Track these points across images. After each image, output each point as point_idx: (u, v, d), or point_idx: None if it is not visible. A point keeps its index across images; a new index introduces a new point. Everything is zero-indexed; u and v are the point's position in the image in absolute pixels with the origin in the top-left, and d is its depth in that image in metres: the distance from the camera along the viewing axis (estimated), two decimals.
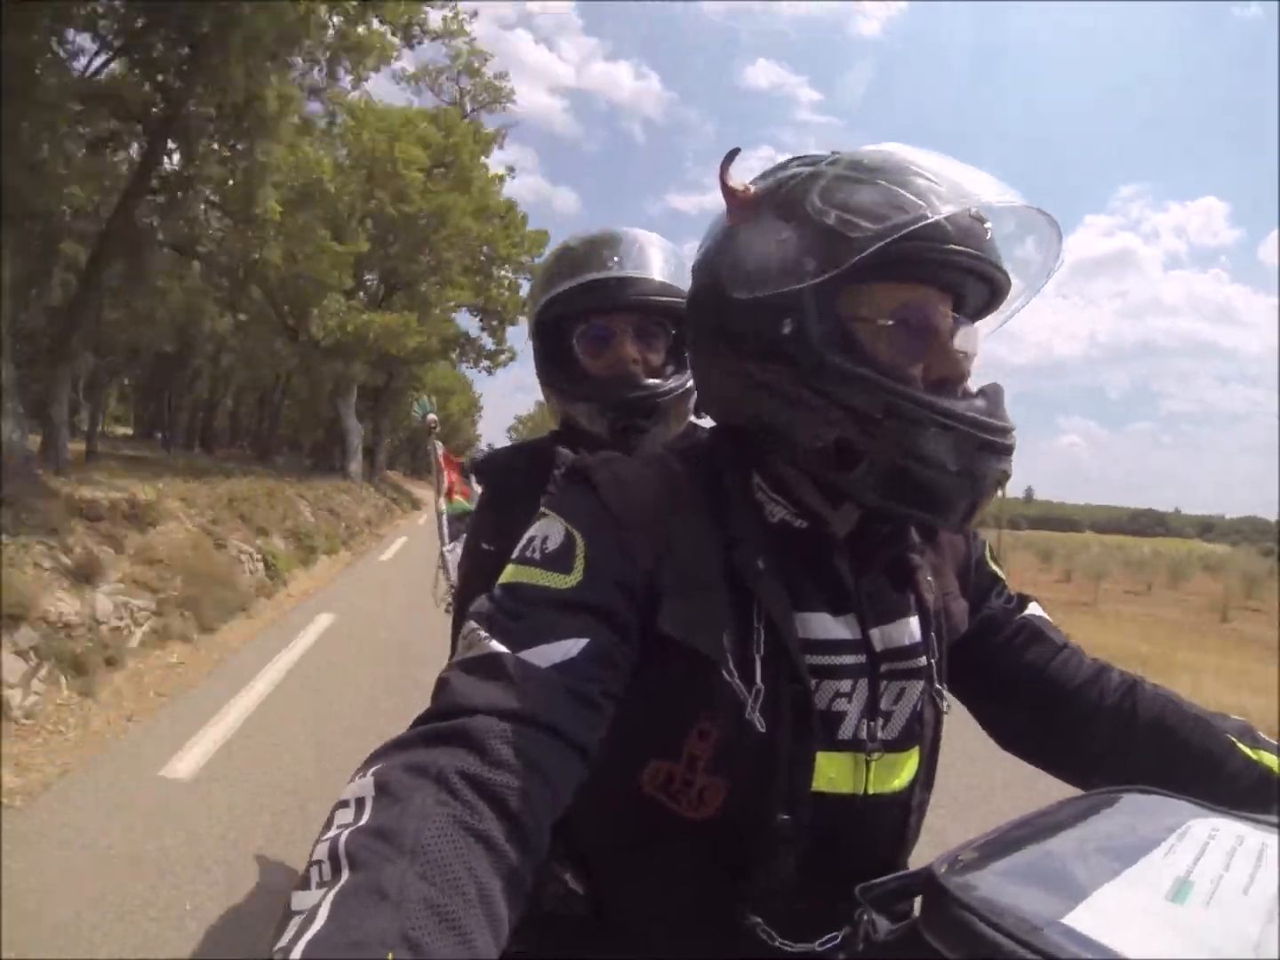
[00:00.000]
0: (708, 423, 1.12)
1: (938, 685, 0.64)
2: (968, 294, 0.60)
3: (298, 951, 0.32)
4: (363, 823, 0.39)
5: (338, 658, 4.66)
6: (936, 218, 0.53)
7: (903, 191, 0.54)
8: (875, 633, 0.61)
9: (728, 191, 0.60)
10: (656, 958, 0.61)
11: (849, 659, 0.59)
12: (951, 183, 0.55)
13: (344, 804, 0.41)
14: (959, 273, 0.57)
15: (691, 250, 0.69)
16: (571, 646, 0.51)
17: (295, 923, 0.34)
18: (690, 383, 1.02)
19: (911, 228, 0.52)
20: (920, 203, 0.53)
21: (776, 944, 0.58)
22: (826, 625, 0.59)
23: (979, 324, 0.63)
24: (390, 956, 0.32)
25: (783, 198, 0.58)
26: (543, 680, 0.49)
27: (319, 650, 4.78)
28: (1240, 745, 0.62)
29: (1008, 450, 0.56)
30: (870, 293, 0.56)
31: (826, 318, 0.55)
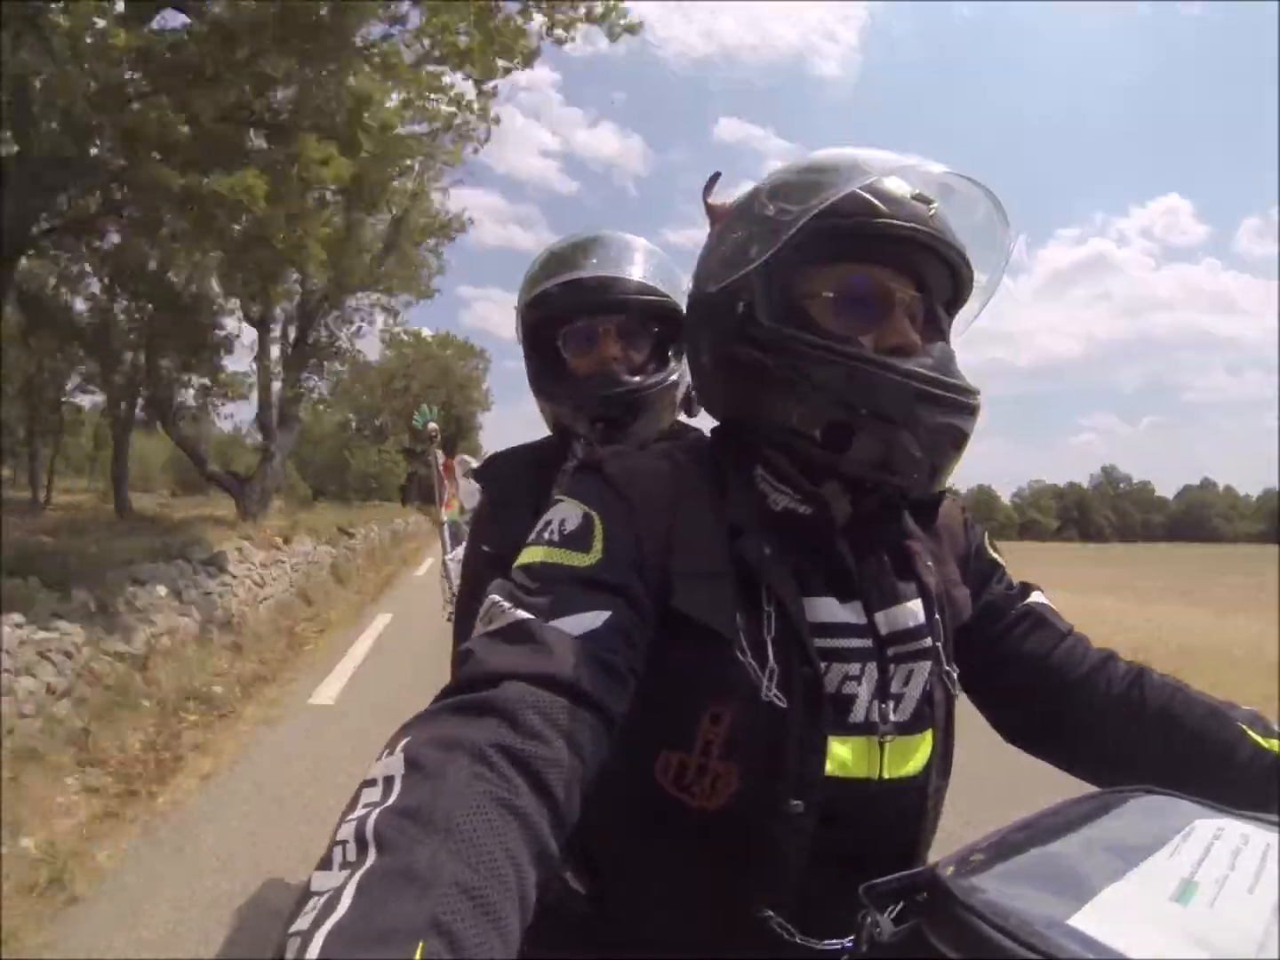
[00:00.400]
0: (695, 422, 1.15)
1: (946, 667, 0.64)
2: (928, 275, 0.61)
3: (317, 941, 0.30)
4: (391, 801, 0.37)
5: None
6: (851, 187, 0.56)
7: (830, 178, 0.58)
8: (880, 616, 0.61)
9: (709, 209, 0.67)
10: (667, 953, 0.60)
11: (856, 642, 0.60)
12: (883, 162, 0.58)
13: (371, 783, 0.39)
14: (904, 248, 0.59)
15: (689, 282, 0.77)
16: (596, 618, 0.51)
17: (315, 905, 0.32)
18: (673, 377, 1.06)
19: (828, 201, 0.56)
20: (841, 181, 0.57)
21: (795, 940, 0.57)
22: (833, 609, 0.60)
23: (963, 313, 0.66)
24: (421, 946, 0.30)
25: (743, 204, 0.64)
26: (573, 647, 0.48)
27: (433, 565, 9.21)
28: (1250, 733, 0.60)
29: (958, 406, 0.57)
30: (819, 273, 0.60)
31: (773, 295, 0.60)
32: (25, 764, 2.80)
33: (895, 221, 0.57)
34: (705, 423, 1.12)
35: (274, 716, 4.00)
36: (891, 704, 0.60)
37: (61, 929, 2.06)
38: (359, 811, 0.37)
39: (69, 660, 3.49)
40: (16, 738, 2.89)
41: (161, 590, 4.65)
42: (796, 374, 0.57)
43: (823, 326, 0.59)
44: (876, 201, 0.57)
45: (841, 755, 0.58)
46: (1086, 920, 0.34)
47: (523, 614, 0.50)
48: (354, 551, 10.66)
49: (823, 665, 0.57)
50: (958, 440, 0.57)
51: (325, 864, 0.35)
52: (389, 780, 0.39)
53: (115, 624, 4.01)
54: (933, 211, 0.58)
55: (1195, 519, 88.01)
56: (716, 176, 0.67)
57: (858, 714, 0.59)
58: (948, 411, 0.56)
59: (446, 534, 2.26)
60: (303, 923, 0.31)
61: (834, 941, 0.57)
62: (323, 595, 7.77)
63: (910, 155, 0.59)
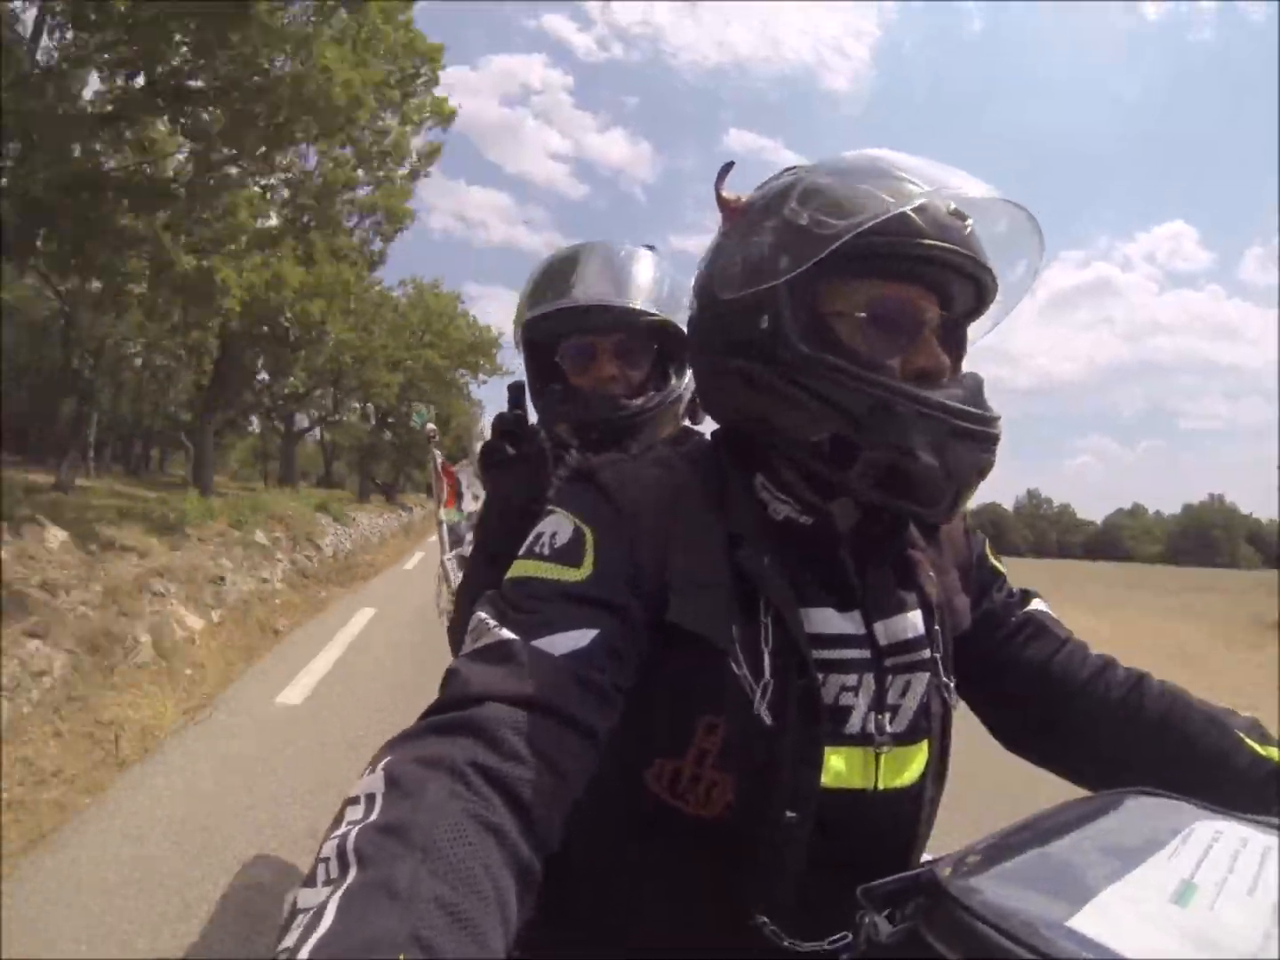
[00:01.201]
0: (701, 427, 1.14)
1: (944, 678, 0.63)
2: (954, 293, 0.60)
3: (304, 953, 0.30)
4: (373, 819, 0.37)
5: None
6: (901, 209, 0.53)
7: (873, 189, 0.55)
8: (879, 627, 0.61)
9: (721, 201, 0.63)
10: (661, 956, 0.60)
11: (854, 653, 0.59)
12: (927, 178, 0.55)
13: (354, 800, 0.40)
14: (937, 268, 0.57)
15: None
16: (582, 636, 0.50)
17: (301, 922, 0.33)
18: (674, 395, 1.03)
19: (878, 220, 0.53)
20: (889, 198, 0.54)
21: (785, 944, 0.56)
22: (831, 620, 0.59)
23: (973, 327, 0.64)
24: (401, 958, 0.31)
25: (766, 203, 0.60)
26: (555, 668, 0.48)
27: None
28: (1248, 741, 0.60)
29: (987, 439, 0.56)
30: (848, 289, 0.57)
31: (801, 312, 0.57)
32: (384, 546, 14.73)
33: (938, 244, 0.55)
34: (709, 427, 1.11)
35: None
36: (888, 715, 0.60)
37: None
38: (342, 829, 0.37)
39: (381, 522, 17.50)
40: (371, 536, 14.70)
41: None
42: (825, 401, 0.55)
43: (850, 347, 0.56)
44: (920, 222, 0.55)
45: (837, 766, 0.57)
46: (1086, 921, 0.34)
47: (507, 633, 0.50)
48: (427, 511, 23.18)
49: (820, 676, 0.57)
50: (983, 471, 0.56)
51: (310, 881, 0.35)
52: (370, 798, 0.39)
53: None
54: (968, 230, 0.57)
55: (1111, 540, 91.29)
56: (730, 166, 0.63)
57: (854, 725, 0.58)
58: (978, 446, 0.55)
59: (445, 534, 2.23)
60: (290, 939, 0.32)
61: (814, 944, 0.57)
62: (428, 521, 19.35)
63: (951, 168, 0.57)
